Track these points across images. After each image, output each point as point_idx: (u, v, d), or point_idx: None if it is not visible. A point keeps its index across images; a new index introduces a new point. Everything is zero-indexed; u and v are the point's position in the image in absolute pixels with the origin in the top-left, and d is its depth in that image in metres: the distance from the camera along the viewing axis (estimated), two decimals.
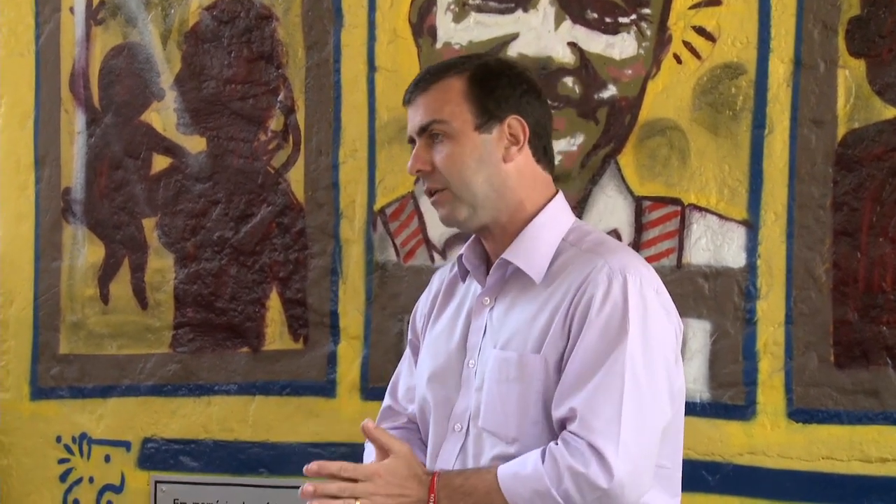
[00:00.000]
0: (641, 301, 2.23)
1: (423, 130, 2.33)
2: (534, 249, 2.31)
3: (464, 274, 2.45)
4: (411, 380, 2.54)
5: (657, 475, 2.28)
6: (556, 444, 2.17)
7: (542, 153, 2.37)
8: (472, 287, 2.42)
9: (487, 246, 2.39)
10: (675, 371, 2.30)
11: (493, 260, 2.37)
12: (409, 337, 2.59)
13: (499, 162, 2.32)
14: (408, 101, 2.37)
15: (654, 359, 2.23)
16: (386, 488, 2.20)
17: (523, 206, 2.34)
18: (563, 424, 2.20)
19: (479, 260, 2.40)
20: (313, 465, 2.21)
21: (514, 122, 2.32)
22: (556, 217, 2.36)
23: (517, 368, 2.25)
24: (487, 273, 2.38)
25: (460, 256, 2.44)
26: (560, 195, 2.40)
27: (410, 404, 2.52)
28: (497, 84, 2.34)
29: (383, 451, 2.25)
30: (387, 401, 2.61)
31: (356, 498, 2.19)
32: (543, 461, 2.16)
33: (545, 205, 2.36)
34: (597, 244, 2.33)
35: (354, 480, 2.20)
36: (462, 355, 2.36)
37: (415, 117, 2.35)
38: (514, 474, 2.19)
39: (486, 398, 2.29)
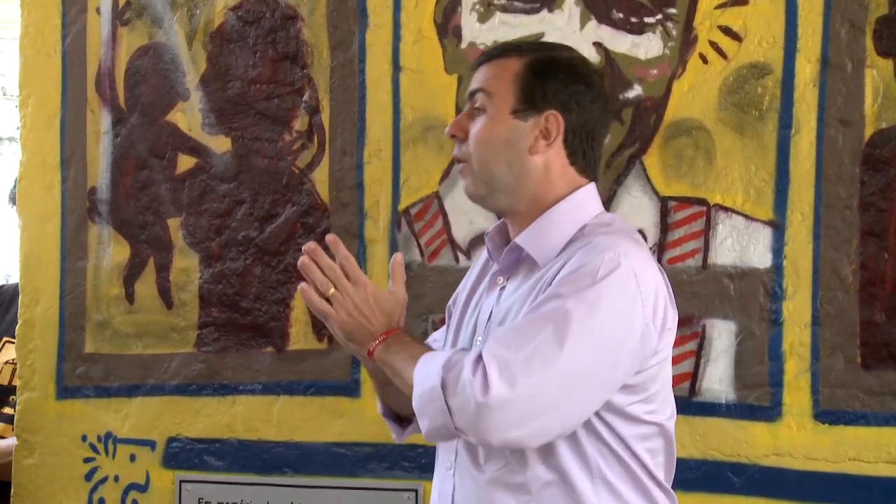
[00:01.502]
0: (612, 278, 2.17)
1: (472, 96, 2.36)
2: (546, 237, 2.31)
3: (490, 251, 2.48)
4: (435, 346, 2.54)
5: (627, 478, 2.26)
6: (470, 353, 2.17)
7: (581, 156, 2.35)
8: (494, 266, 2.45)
9: (511, 230, 2.39)
10: (615, 356, 2.19)
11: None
12: (448, 305, 2.60)
13: (524, 151, 2.31)
14: (474, 66, 2.41)
15: (593, 333, 2.15)
16: (361, 301, 2.25)
17: (541, 197, 2.33)
18: None
19: (502, 240, 2.42)
20: (332, 237, 2.29)
21: (551, 118, 2.32)
22: (576, 208, 2.34)
23: None
24: None
25: (488, 234, 2.46)
26: (588, 187, 2.37)
27: None
28: (551, 76, 2.33)
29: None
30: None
31: (335, 286, 2.25)
32: (452, 355, 2.18)
33: (567, 195, 2.35)
34: (602, 232, 2.29)
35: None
36: (473, 333, 2.39)
37: (473, 81, 2.37)
38: (430, 354, 2.23)
39: None
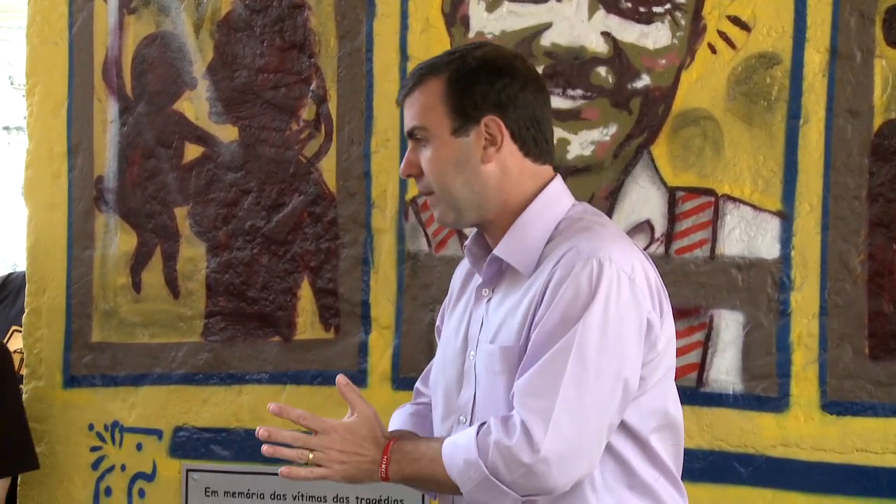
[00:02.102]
0: (607, 286, 2.18)
1: (411, 135, 2.36)
2: (521, 244, 2.31)
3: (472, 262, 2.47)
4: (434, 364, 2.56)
5: (644, 452, 2.27)
6: (495, 418, 2.17)
7: (533, 144, 2.34)
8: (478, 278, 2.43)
9: (488, 238, 2.39)
10: (633, 359, 2.22)
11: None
12: (437, 324, 2.61)
13: (477, 164, 2.31)
14: (399, 103, 2.39)
15: (609, 346, 2.18)
16: (342, 444, 2.23)
17: (510, 202, 2.33)
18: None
19: (481, 251, 2.40)
20: (274, 406, 2.27)
21: (490, 123, 2.30)
22: (546, 207, 2.33)
23: (500, 361, 2.26)
24: None
25: (467, 246, 2.44)
26: (553, 183, 2.36)
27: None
28: (474, 83, 2.31)
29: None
30: (419, 381, 2.65)
31: (310, 450, 2.23)
32: (479, 433, 2.17)
33: (535, 196, 2.34)
34: (578, 230, 2.29)
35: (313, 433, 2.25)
36: (465, 347, 2.37)
37: (406, 120, 2.37)
38: (452, 443, 2.21)
39: (480, 391, 2.31)
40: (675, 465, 2.35)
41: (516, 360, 2.23)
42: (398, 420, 2.55)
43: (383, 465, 2.24)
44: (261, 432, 2.23)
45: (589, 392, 2.16)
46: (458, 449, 2.19)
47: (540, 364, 2.17)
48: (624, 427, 2.24)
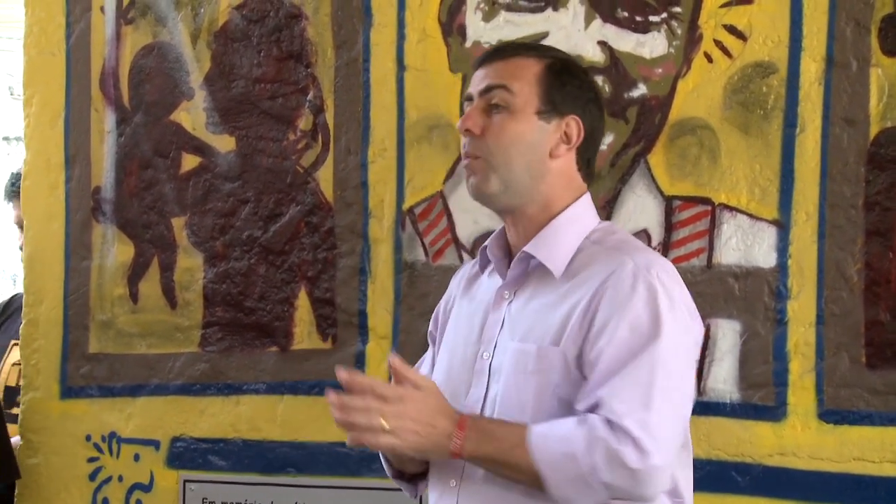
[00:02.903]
0: (669, 300, 2.22)
1: (487, 92, 2.31)
2: (556, 245, 2.31)
3: (483, 266, 2.45)
4: (426, 369, 2.52)
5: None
6: (597, 418, 2.15)
7: (586, 164, 2.37)
8: (493, 281, 2.41)
9: (511, 237, 2.38)
10: (693, 376, 2.31)
11: (514, 253, 2.36)
12: (431, 327, 2.58)
13: (545, 154, 2.31)
14: (479, 64, 2.35)
15: (682, 358, 2.24)
16: (416, 413, 2.16)
17: (552, 203, 2.34)
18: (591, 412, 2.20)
19: (501, 252, 2.40)
20: (343, 374, 2.17)
21: (573, 122, 2.32)
22: (581, 216, 2.36)
23: (535, 361, 2.24)
24: (508, 266, 2.37)
25: (484, 247, 2.43)
26: (587, 195, 2.39)
27: None
28: (570, 81, 2.34)
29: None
30: None
31: (384, 418, 2.14)
32: (578, 426, 2.14)
33: (571, 203, 2.35)
34: (621, 243, 2.33)
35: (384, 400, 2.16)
36: (477, 349, 2.35)
37: (483, 78, 2.32)
38: (545, 433, 2.17)
39: (504, 389, 2.27)
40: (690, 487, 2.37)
41: (555, 361, 2.23)
42: None
43: (459, 440, 2.17)
44: (331, 397, 2.14)
45: (676, 406, 2.20)
46: (553, 440, 2.15)
47: (625, 374, 2.16)
48: None
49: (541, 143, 2.31)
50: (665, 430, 2.15)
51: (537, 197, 2.33)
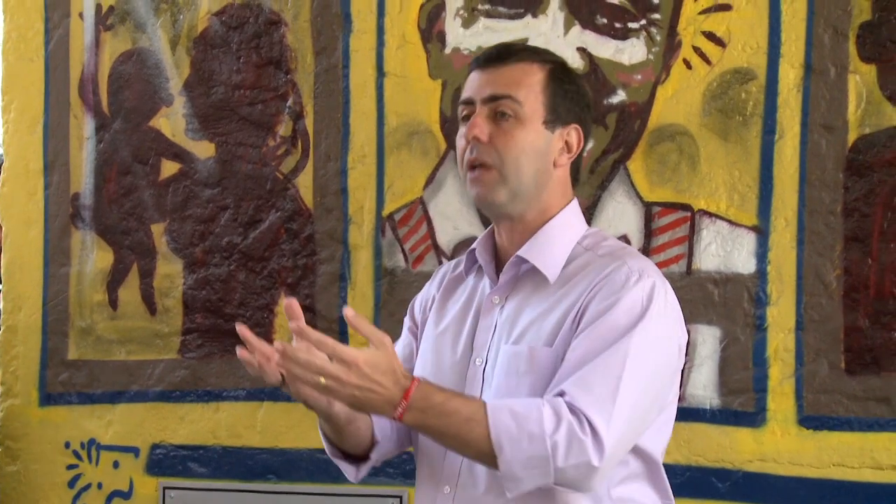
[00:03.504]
0: (658, 304, 2.22)
1: (493, 100, 2.28)
2: (549, 250, 2.31)
3: (469, 269, 2.44)
4: (406, 364, 2.45)
5: (651, 473, 2.27)
6: (559, 400, 2.12)
7: (576, 171, 2.38)
8: (480, 285, 2.40)
9: (502, 241, 2.37)
10: (674, 378, 2.29)
11: (503, 257, 2.36)
12: (408, 323, 2.53)
13: (550, 163, 2.31)
14: (481, 66, 2.32)
15: (659, 358, 2.22)
16: (359, 379, 2.06)
17: (548, 210, 2.34)
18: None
19: (489, 256, 2.39)
20: (294, 324, 2.09)
21: (574, 132, 2.32)
22: (571, 221, 2.36)
23: (527, 362, 2.23)
24: (497, 270, 2.37)
25: (472, 250, 2.42)
26: (575, 201, 2.39)
27: None
28: (570, 89, 2.33)
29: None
30: None
31: (322, 376, 2.06)
32: (545, 409, 2.11)
33: (562, 209, 2.35)
34: (616, 249, 2.33)
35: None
36: (468, 354, 2.33)
37: (486, 84, 2.30)
38: (506, 408, 2.12)
39: (495, 392, 2.26)
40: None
41: (548, 361, 2.21)
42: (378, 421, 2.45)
43: (400, 409, 2.10)
44: (276, 345, 2.06)
45: (640, 402, 2.16)
46: (515, 416, 2.11)
47: (595, 364, 2.14)
48: (637, 447, 2.25)
49: (547, 153, 2.31)
50: (624, 430, 2.13)
51: (538, 204, 2.32)
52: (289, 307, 2.13)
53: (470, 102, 2.31)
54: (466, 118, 2.31)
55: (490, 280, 2.37)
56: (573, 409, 2.10)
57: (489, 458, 2.12)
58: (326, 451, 2.41)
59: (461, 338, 2.36)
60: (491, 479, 2.23)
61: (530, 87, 2.29)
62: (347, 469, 2.42)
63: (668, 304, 2.24)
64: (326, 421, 2.33)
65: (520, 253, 2.31)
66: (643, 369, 2.17)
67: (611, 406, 2.11)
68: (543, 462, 2.10)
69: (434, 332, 2.44)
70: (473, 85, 2.32)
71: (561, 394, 2.13)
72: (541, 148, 2.30)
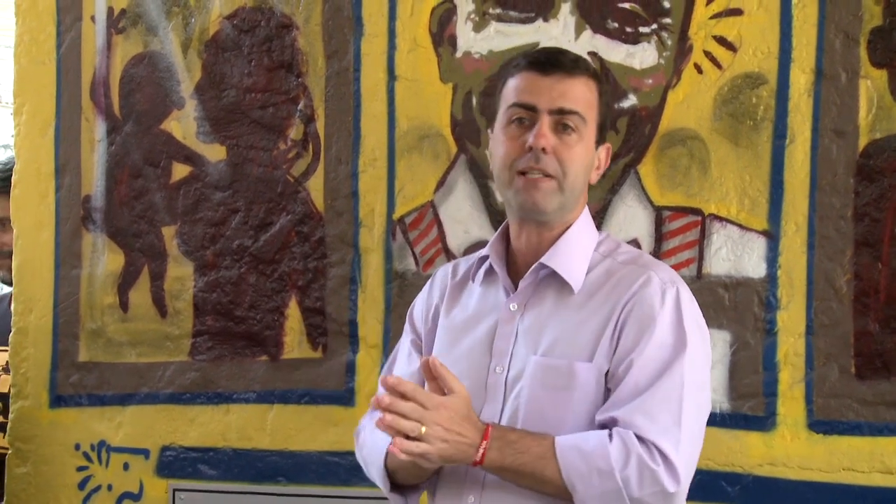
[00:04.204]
0: (691, 317, 2.29)
1: (560, 113, 2.30)
2: (571, 257, 2.32)
3: (474, 275, 2.43)
4: (412, 380, 2.44)
5: None
6: (627, 433, 2.17)
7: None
8: (492, 290, 2.40)
9: (521, 245, 2.37)
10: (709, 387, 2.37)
11: (519, 262, 2.36)
12: (410, 336, 2.55)
13: (590, 177, 2.38)
14: (544, 71, 2.32)
15: (704, 373, 2.29)
16: (448, 422, 2.16)
17: (571, 218, 2.38)
18: (608, 426, 2.21)
19: (501, 262, 2.39)
20: (392, 378, 2.16)
21: (604, 151, 2.39)
22: (587, 228, 2.38)
23: (567, 377, 2.25)
24: (510, 277, 2.37)
25: (483, 258, 2.42)
26: (587, 209, 2.41)
27: None
28: (608, 108, 2.39)
29: (440, 391, 2.20)
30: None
31: (422, 423, 2.14)
32: (611, 441, 2.16)
33: (579, 216, 2.40)
34: (634, 255, 2.37)
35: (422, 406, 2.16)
36: (486, 361, 2.33)
37: (555, 95, 2.30)
38: (574, 447, 2.18)
39: (527, 404, 2.27)
40: None
41: (589, 377, 2.25)
42: None
43: (482, 450, 2.18)
44: (382, 398, 2.13)
45: (698, 419, 2.25)
46: (583, 454, 2.17)
47: (654, 391, 2.21)
48: None
49: (592, 169, 2.37)
50: (691, 450, 2.22)
51: (574, 214, 2.38)
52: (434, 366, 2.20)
53: (532, 109, 2.30)
54: (520, 121, 2.31)
55: (506, 287, 2.37)
56: (642, 440, 2.17)
57: (565, 494, 2.20)
58: (381, 484, 2.43)
59: (477, 345, 2.36)
60: (519, 491, 2.24)
61: (591, 106, 2.32)
62: (398, 502, 2.45)
63: (698, 313, 2.32)
64: (402, 471, 2.37)
65: (543, 261, 2.32)
66: (696, 388, 2.24)
67: (677, 431, 2.19)
68: (618, 495, 2.16)
69: (444, 340, 2.44)
70: (535, 91, 2.31)
71: (625, 420, 2.19)
72: (590, 164, 2.36)
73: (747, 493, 3.21)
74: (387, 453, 2.34)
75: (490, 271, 2.43)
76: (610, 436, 2.18)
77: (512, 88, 2.34)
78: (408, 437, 2.14)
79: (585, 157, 2.32)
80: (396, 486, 2.44)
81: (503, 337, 2.33)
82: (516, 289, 2.36)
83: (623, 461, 2.16)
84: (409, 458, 2.17)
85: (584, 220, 2.38)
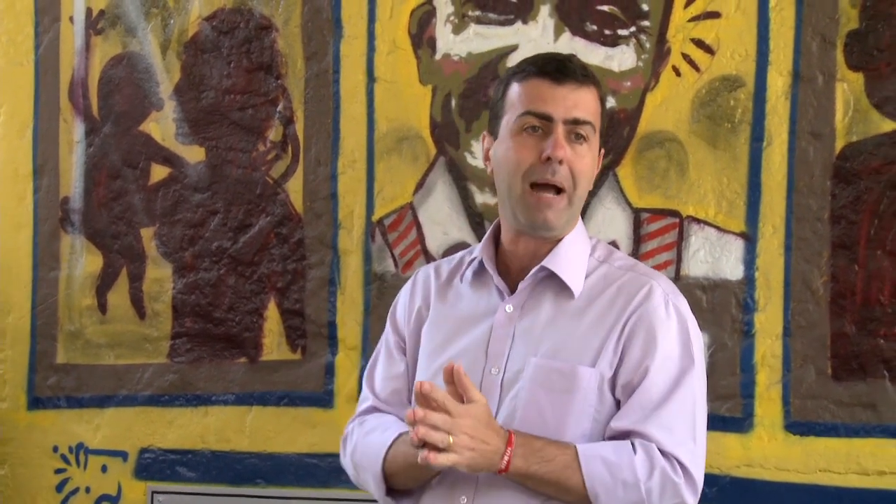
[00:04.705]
0: (694, 326, 2.31)
1: (574, 123, 2.26)
2: (570, 262, 2.32)
3: (462, 275, 2.43)
4: (396, 382, 2.47)
5: None
6: (649, 445, 2.20)
7: None
8: (483, 292, 2.39)
9: (517, 250, 2.35)
10: None
11: (512, 266, 2.35)
12: (393, 338, 2.51)
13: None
14: (556, 80, 2.27)
15: (705, 382, 2.32)
16: (473, 430, 2.15)
17: (570, 225, 2.36)
18: (624, 437, 2.23)
19: (493, 264, 2.39)
20: (426, 385, 2.13)
21: (599, 157, 2.36)
22: (582, 233, 2.38)
23: (569, 380, 2.25)
24: (504, 279, 2.37)
25: (475, 260, 2.40)
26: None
27: (403, 408, 2.43)
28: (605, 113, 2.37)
29: (458, 397, 2.19)
30: (369, 401, 2.51)
31: (450, 434, 2.12)
32: (637, 454, 2.19)
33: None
34: (632, 264, 2.37)
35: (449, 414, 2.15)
36: (481, 363, 2.32)
37: (570, 105, 2.26)
38: (598, 457, 2.20)
39: (526, 405, 2.26)
40: None
41: (592, 381, 2.25)
42: (399, 426, 2.41)
43: (507, 457, 2.18)
44: (418, 413, 2.11)
45: (705, 428, 2.29)
46: (609, 465, 2.19)
47: (670, 405, 2.23)
48: None
49: (595, 175, 2.36)
50: (703, 459, 2.25)
51: (574, 223, 2.37)
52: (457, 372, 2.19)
53: (547, 118, 2.27)
54: (533, 129, 2.27)
55: (500, 289, 2.36)
56: (664, 453, 2.20)
57: (586, 502, 2.21)
58: (375, 491, 2.40)
59: (471, 347, 2.35)
60: (513, 489, 2.24)
61: (598, 114, 2.31)
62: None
63: (694, 324, 2.32)
64: (408, 472, 2.34)
65: (546, 265, 2.31)
66: (703, 399, 2.28)
67: (692, 444, 2.23)
68: None
69: (434, 343, 2.43)
70: (550, 100, 2.27)
71: (643, 435, 2.21)
72: (594, 172, 2.34)
73: (724, 495, 3.22)
74: (385, 458, 2.34)
75: (478, 273, 2.42)
76: (633, 447, 2.21)
77: (523, 95, 2.29)
78: (435, 448, 2.13)
79: (593, 165, 2.31)
80: (391, 490, 2.41)
81: (499, 339, 2.32)
82: (511, 291, 2.36)
83: (647, 473, 2.18)
84: (443, 467, 2.16)
85: (580, 225, 2.38)
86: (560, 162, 2.24)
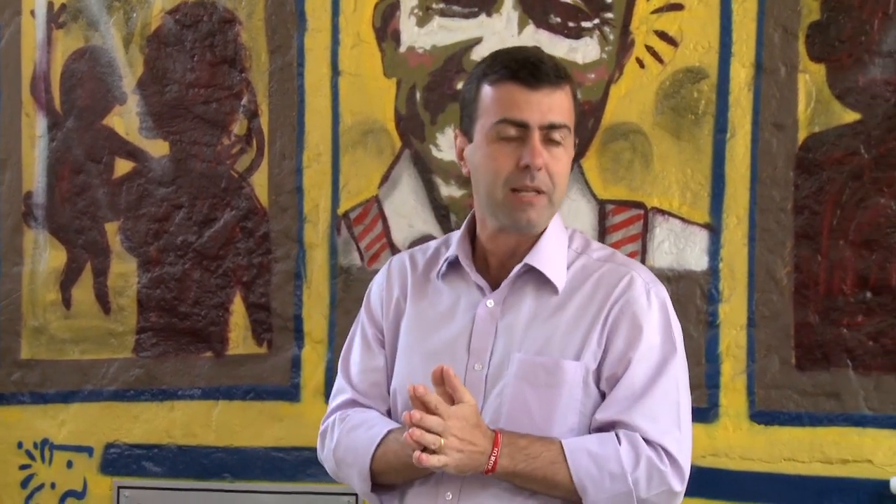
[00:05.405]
0: (673, 315, 2.35)
1: (550, 128, 2.27)
2: (551, 257, 2.33)
3: (438, 271, 2.42)
4: (375, 375, 2.47)
5: None
6: (634, 435, 2.22)
7: None
8: (461, 287, 2.38)
9: (498, 247, 2.35)
10: None
11: (491, 262, 2.35)
12: (371, 330, 2.50)
13: None
14: (530, 85, 2.27)
15: (687, 370, 2.35)
16: (461, 432, 2.17)
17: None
18: (609, 428, 2.25)
19: (469, 261, 2.39)
20: (420, 388, 2.16)
21: (574, 146, 2.37)
22: (559, 226, 2.39)
23: (553, 374, 2.26)
24: (482, 275, 2.37)
25: (453, 257, 2.40)
26: None
27: (382, 402, 2.45)
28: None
29: (448, 399, 2.20)
30: (348, 393, 2.49)
31: (441, 436, 2.15)
32: (620, 444, 2.21)
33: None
34: (610, 254, 2.39)
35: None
36: (464, 359, 2.32)
37: (545, 110, 2.26)
38: (584, 450, 2.22)
39: (512, 401, 2.27)
40: None
41: (576, 375, 2.27)
42: (385, 422, 2.42)
43: (493, 458, 2.20)
44: (415, 416, 2.13)
45: (689, 416, 2.32)
46: (594, 458, 2.21)
47: (654, 394, 2.25)
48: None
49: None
50: (689, 450, 2.28)
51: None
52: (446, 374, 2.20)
53: (524, 126, 2.26)
54: (510, 136, 2.27)
55: (479, 285, 2.36)
56: (649, 442, 2.22)
57: (574, 496, 2.23)
58: (359, 488, 2.41)
59: (453, 343, 2.35)
60: (497, 485, 2.25)
61: (572, 113, 2.32)
62: (375, 501, 2.43)
63: (673, 312, 2.35)
64: (390, 470, 2.35)
65: (529, 262, 2.31)
66: (686, 388, 2.31)
67: (678, 432, 2.25)
68: (627, 497, 2.21)
69: (412, 337, 2.42)
70: (525, 107, 2.27)
71: (627, 425, 2.23)
72: (570, 168, 2.35)
73: (690, 484, 3.18)
74: (373, 456, 2.34)
75: (455, 268, 2.42)
76: (618, 438, 2.22)
77: (497, 101, 2.28)
78: (426, 450, 2.15)
79: (569, 165, 2.33)
80: (379, 486, 2.41)
81: (482, 335, 2.32)
82: (490, 286, 2.36)
83: (633, 463, 2.20)
84: (436, 469, 2.19)
85: (557, 219, 2.38)
86: (538, 169, 2.25)
